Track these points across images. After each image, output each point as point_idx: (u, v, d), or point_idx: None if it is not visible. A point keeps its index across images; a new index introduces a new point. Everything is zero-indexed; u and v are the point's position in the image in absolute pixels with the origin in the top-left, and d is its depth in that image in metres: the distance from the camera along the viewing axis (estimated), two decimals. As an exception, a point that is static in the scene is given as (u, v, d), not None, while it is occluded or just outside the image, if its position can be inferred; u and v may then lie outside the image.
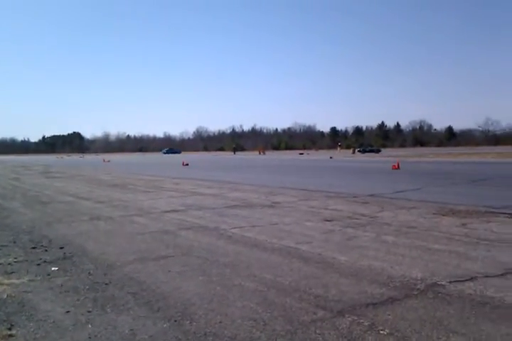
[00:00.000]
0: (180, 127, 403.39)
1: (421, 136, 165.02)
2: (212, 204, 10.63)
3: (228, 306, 3.82)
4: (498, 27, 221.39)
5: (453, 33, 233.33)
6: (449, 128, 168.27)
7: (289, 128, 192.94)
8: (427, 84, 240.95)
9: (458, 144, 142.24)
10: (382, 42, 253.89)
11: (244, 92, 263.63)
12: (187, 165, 35.23)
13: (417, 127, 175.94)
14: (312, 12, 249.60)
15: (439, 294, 4.02)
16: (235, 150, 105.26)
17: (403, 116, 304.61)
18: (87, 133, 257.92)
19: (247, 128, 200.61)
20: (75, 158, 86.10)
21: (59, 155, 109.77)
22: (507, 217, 8.06)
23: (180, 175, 23.43)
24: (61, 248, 6.22)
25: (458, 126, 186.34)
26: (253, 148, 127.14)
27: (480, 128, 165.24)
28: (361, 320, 3.45)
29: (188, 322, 3.49)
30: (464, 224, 7.40)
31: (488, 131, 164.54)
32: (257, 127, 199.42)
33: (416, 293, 4.08)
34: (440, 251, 5.64)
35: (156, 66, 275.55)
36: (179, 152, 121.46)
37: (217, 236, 6.86)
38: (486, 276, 4.53)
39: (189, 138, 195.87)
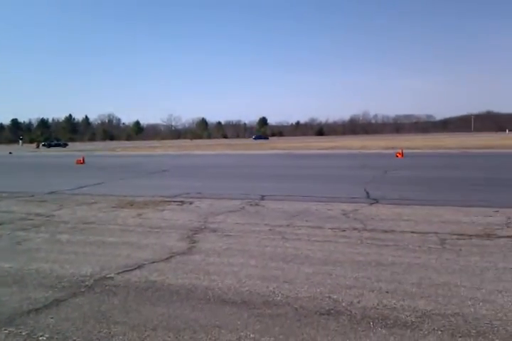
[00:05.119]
0: None
1: (110, 130, 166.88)
2: None
3: None
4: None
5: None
6: (137, 123, 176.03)
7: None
8: (113, 78, 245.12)
9: (146, 138, 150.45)
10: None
11: None
12: None
13: (106, 121, 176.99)
14: None
15: (107, 287, 4.10)
16: None
17: (92, 109, 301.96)
18: None
19: None
20: None
21: None
22: (178, 204, 8.95)
23: None
24: None
25: (145, 120, 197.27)
26: None
27: (164, 123, 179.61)
28: (19, 330, 3.19)
29: None
30: (139, 215, 7.82)
31: (171, 125, 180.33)
32: None
33: (83, 290, 4.04)
34: (114, 243, 5.78)
35: None
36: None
37: None
38: (153, 262, 4.88)
39: None
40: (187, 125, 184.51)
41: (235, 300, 3.70)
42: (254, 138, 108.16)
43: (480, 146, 33.49)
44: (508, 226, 6.19)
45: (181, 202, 9.27)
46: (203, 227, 6.63)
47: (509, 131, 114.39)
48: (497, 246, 5.19)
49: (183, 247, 5.48)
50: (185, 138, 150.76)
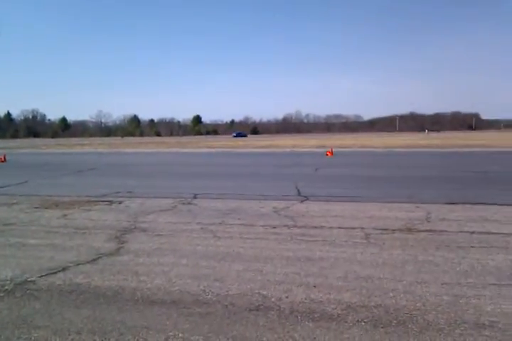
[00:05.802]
0: None
1: (35, 126, 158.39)
2: None
3: None
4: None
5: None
6: (64, 119, 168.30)
7: None
8: (30, 72, 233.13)
9: (73, 135, 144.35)
10: None
11: None
12: None
13: (30, 117, 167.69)
14: None
15: (28, 291, 3.90)
16: None
17: (14, 104, 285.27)
18: None
19: None
20: None
21: None
22: (106, 204, 8.66)
23: None
24: None
25: (72, 116, 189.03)
26: None
27: (93, 120, 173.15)
28: None
29: None
30: (65, 215, 7.49)
31: (101, 122, 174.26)
32: None
33: (2, 294, 3.82)
34: (37, 245, 5.50)
35: None
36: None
37: None
38: (78, 264, 4.69)
39: None
40: (118, 122, 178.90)
41: (164, 300, 3.65)
42: (235, 136, 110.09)
43: (404, 145, 35.32)
44: (427, 221, 6.57)
45: (110, 201, 8.98)
46: (132, 227, 6.46)
47: (428, 131, 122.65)
48: (417, 239, 5.50)
49: (110, 248, 5.31)
50: (116, 135, 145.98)
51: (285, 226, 6.39)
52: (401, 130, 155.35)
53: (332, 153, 24.44)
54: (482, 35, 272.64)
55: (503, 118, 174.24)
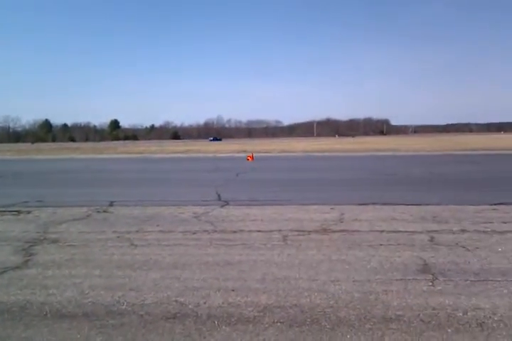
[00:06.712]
0: None
1: None
2: None
3: None
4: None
5: None
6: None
7: None
8: None
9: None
10: None
11: None
12: None
13: None
14: None
15: None
16: None
17: None
18: None
19: None
20: None
21: None
22: (13, 214, 8.09)
23: None
24: None
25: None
26: None
27: (0, 125, 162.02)
28: None
29: None
30: (-36, 228, 6.89)
31: (9, 127, 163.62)
32: None
33: None
34: None
35: None
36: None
37: None
38: None
39: None
40: (28, 127, 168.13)
41: (75, 313, 3.47)
42: (211, 140, 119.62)
43: (321, 150, 36.66)
44: (341, 222, 6.85)
45: (18, 211, 8.40)
46: (42, 238, 6.09)
47: (338, 135, 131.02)
48: (331, 240, 5.71)
49: (16, 261, 4.96)
50: (25, 141, 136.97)
51: (205, 231, 6.36)
52: (318, 135, 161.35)
53: (253, 157, 24.75)
54: (391, 47, 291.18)
55: (412, 124, 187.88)
